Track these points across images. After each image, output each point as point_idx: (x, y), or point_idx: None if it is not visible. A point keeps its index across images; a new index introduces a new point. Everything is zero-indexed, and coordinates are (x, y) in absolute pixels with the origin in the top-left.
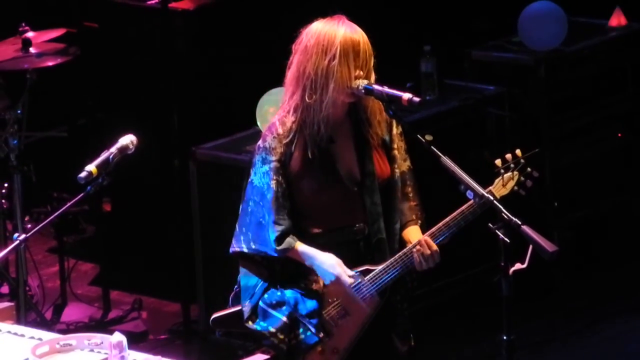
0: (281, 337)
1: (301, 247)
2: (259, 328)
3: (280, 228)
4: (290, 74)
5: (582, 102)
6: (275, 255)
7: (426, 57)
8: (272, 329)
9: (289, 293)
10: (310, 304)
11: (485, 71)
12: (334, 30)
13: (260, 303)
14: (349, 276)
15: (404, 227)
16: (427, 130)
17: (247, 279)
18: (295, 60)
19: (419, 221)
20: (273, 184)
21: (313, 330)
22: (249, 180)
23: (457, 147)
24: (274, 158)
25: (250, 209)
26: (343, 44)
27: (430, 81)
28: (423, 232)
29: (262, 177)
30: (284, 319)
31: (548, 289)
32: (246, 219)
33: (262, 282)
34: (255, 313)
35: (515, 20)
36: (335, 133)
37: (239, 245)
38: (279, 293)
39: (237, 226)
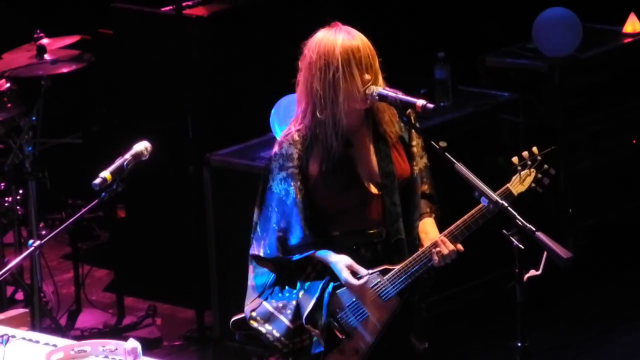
0: (285, 342)
1: (318, 253)
2: (264, 330)
3: (299, 237)
4: (299, 91)
5: (597, 108)
6: (293, 260)
7: (440, 63)
8: (277, 334)
9: (293, 293)
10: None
11: (499, 77)
12: (332, 41)
13: (266, 304)
14: (362, 276)
15: (418, 219)
16: (442, 136)
17: (259, 277)
18: (302, 78)
19: (433, 214)
20: (292, 189)
21: (319, 340)
22: (268, 185)
23: (471, 153)
24: (291, 164)
25: (269, 214)
26: (343, 53)
27: (445, 88)
28: (438, 225)
29: (280, 183)
30: (289, 323)
31: (563, 295)
32: (266, 225)
33: (272, 279)
34: (260, 314)
35: (530, 26)
36: (353, 137)
37: (259, 248)
38: (286, 294)
39: (259, 229)
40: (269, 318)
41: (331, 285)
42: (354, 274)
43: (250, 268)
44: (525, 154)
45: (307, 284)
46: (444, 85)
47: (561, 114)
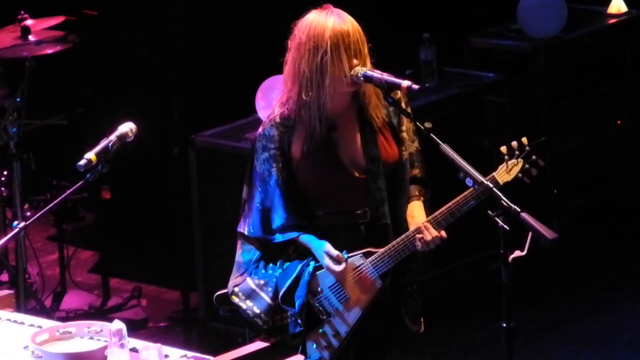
0: (266, 318)
1: (301, 238)
2: (244, 307)
3: (282, 218)
4: (286, 71)
5: (582, 89)
6: (275, 242)
7: (425, 44)
8: (257, 310)
9: (275, 271)
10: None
11: (484, 58)
12: (323, 24)
13: (249, 280)
14: (342, 261)
15: (406, 204)
16: (427, 117)
17: (246, 254)
18: (290, 58)
19: (422, 197)
20: (274, 171)
21: (296, 320)
22: (252, 165)
23: (456, 134)
24: (273, 145)
25: (254, 193)
26: (332, 37)
27: (430, 68)
28: (426, 209)
29: (263, 164)
30: (270, 301)
31: (548, 276)
32: (250, 203)
33: (257, 256)
34: (242, 290)
35: (515, 7)
36: (338, 121)
37: (244, 226)
38: (269, 271)
39: (246, 207)
40: (250, 294)
41: (312, 264)
42: (333, 258)
43: (239, 244)
44: (514, 144)
45: (287, 264)
46: (429, 66)
47: (546, 95)
